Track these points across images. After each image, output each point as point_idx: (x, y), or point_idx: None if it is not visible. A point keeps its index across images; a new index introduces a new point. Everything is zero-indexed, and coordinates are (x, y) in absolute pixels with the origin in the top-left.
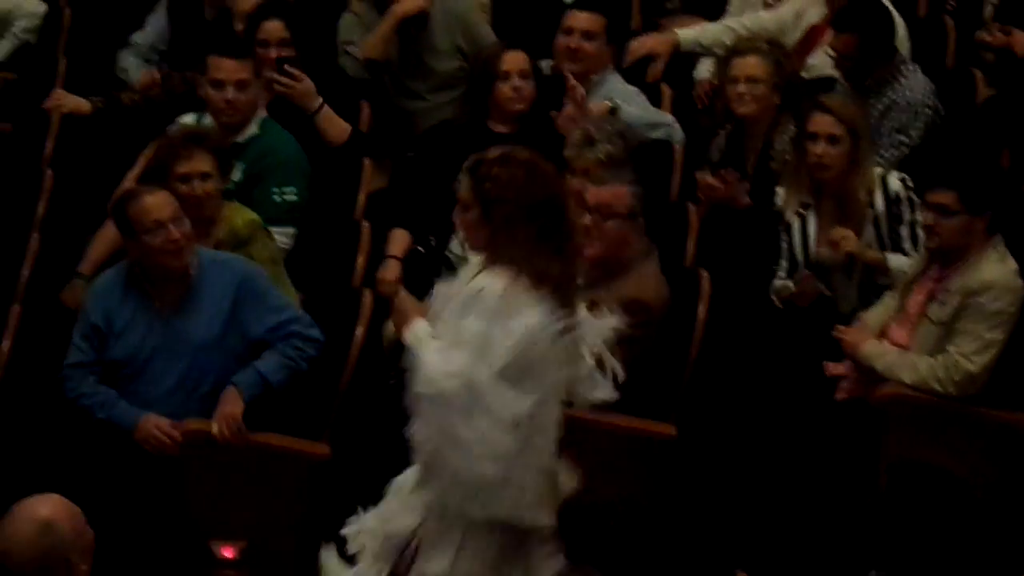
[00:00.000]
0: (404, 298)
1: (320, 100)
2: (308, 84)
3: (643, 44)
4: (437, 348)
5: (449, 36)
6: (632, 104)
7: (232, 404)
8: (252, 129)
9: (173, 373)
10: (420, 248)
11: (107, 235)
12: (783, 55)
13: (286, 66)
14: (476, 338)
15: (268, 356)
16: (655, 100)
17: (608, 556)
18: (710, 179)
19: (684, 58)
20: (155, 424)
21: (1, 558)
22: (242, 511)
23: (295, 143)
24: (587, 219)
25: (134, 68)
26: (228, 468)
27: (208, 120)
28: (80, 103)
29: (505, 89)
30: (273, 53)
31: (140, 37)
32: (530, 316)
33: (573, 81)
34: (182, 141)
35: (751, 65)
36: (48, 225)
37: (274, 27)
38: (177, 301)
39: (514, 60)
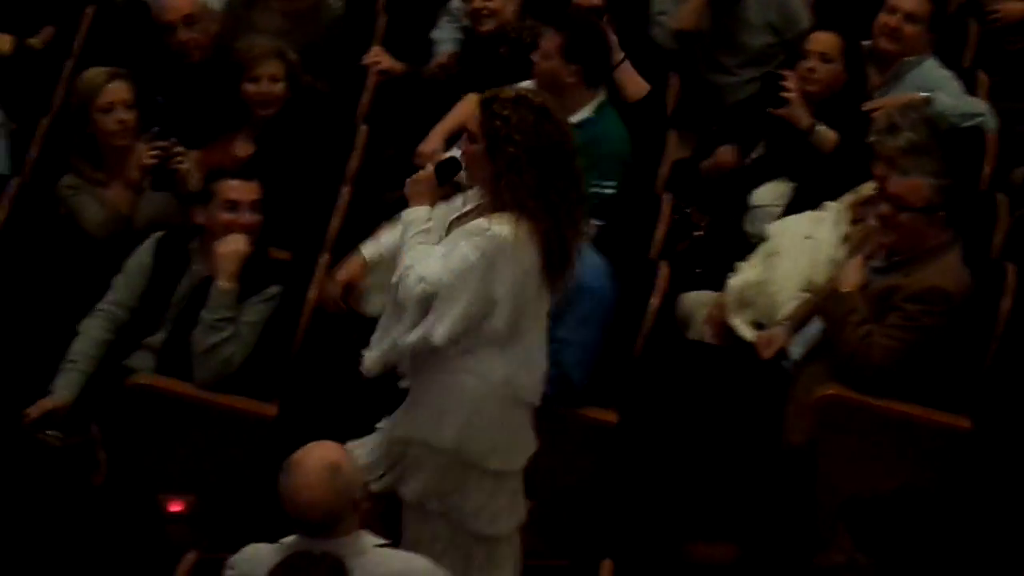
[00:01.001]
0: (430, 178)
1: (622, 54)
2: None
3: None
4: (425, 251)
5: (763, 11)
6: (945, 91)
7: None
8: (586, 112)
9: None
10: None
11: None
12: None
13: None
14: (463, 262)
15: None
16: (970, 87)
17: (895, 548)
18: None
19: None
20: None
21: (301, 506)
22: (190, 465)
23: (625, 134)
24: (884, 208)
25: (446, 39)
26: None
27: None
28: (394, 63)
29: (801, 69)
30: None
31: (457, 3)
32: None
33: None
34: None
35: None
36: (360, 179)
37: None
38: None
39: (819, 41)
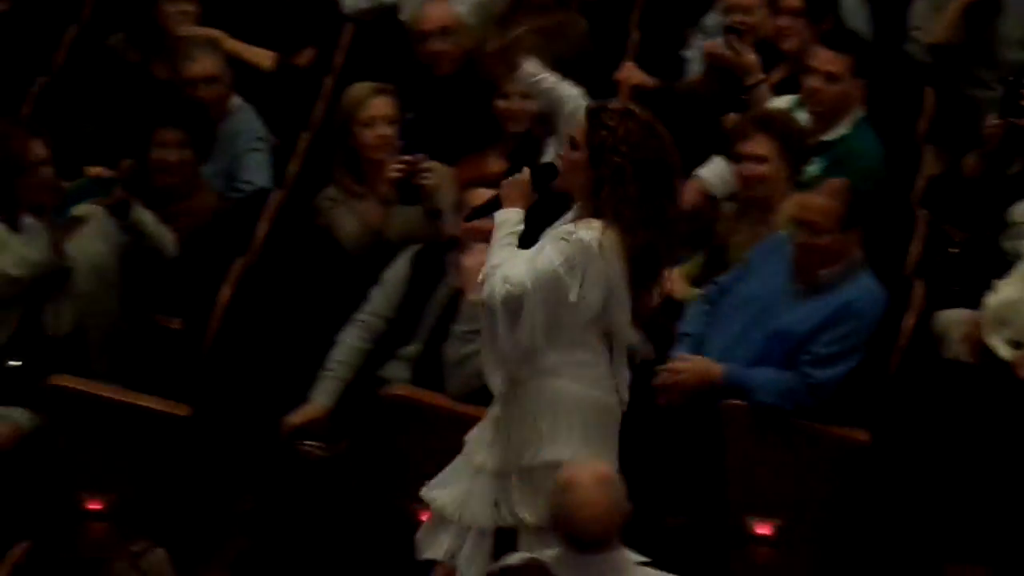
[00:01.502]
0: (525, 182)
1: (760, 76)
2: (751, 58)
3: None
4: (511, 252)
5: (1021, 25)
6: None
7: None
8: (843, 128)
9: None
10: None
11: None
12: None
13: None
14: (547, 265)
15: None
16: None
17: None
18: None
19: None
20: None
21: (583, 522)
22: None
23: (880, 153)
24: None
25: (697, 58)
26: None
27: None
28: (647, 78)
29: None
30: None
31: (712, 19)
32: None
33: None
34: (751, 121)
35: None
36: None
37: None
38: None
39: None
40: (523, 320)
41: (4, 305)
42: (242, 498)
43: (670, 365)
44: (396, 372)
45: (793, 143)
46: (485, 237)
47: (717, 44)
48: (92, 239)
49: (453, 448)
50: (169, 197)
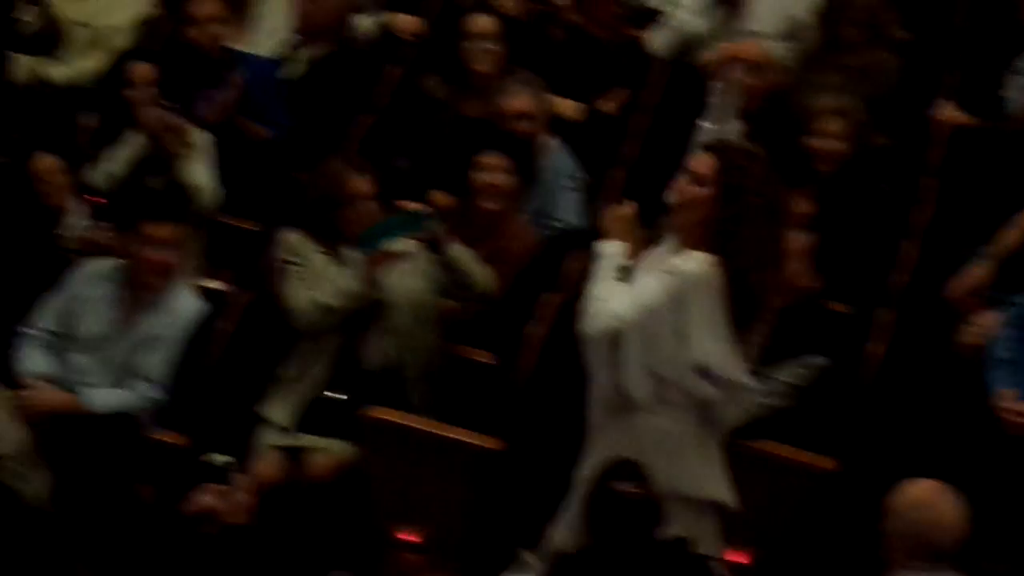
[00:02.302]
0: (630, 216)
1: None
2: None
3: None
4: (615, 286)
5: None
6: None
7: None
8: None
9: None
10: None
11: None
12: None
13: None
14: (651, 298)
15: None
16: None
17: None
18: None
19: None
20: None
21: (948, 536)
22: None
23: None
24: None
25: (1017, 95)
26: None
27: None
28: (967, 118)
29: None
30: None
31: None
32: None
33: None
34: None
35: None
36: (930, 233)
37: None
38: None
39: None
40: (631, 356)
41: (323, 337)
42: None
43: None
44: None
45: None
46: None
47: None
48: (409, 275)
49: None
50: (486, 230)
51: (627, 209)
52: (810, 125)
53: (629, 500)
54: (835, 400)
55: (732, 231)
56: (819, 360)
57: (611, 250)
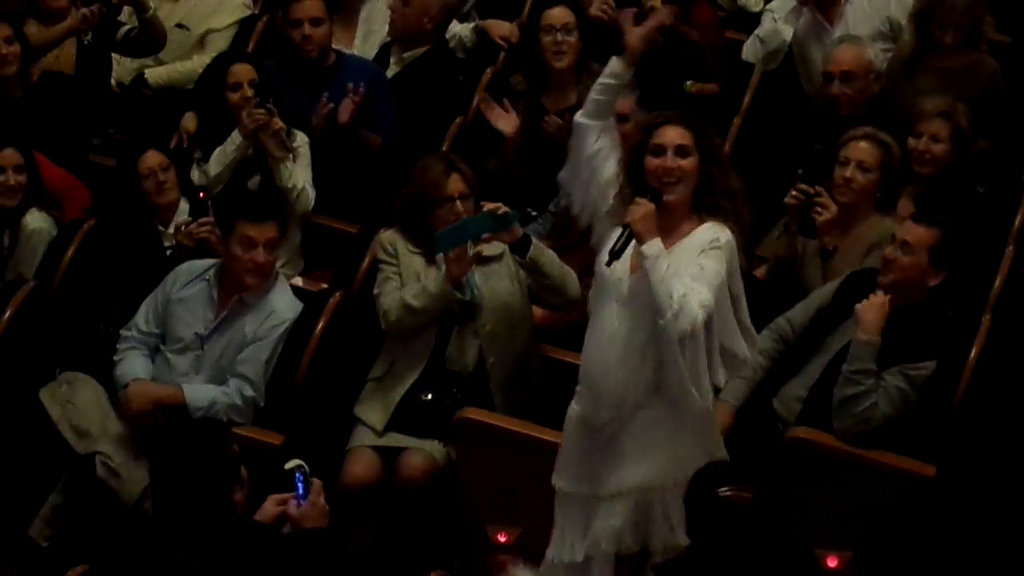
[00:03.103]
0: (652, 210)
1: None
2: None
3: None
4: (681, 280)
5: None
6: None
7: None
8: None
9: None
10: None
11: None
12: None
13: None
14: (717, 278)
15: None
16: None
17: None
18: None
19: None
20: None
21: None
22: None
23: None
24: None
25: None
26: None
27: None
28: None
29: None
30: None
31: None
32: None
33: None
34: None
35: None
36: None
37: None
38: None
39: None
40: (730, 335)
41: (416, 339)
42: None
43: None
44: (787, 409)
45: None
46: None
47: None
48: (497, 277)
49: (855, 493)
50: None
51: (647, 205)
52: (914, 127)
53: (730, 503)
54: (936, 406)
55: (724, 190)
56: (932, 364)
57: (654, 248)
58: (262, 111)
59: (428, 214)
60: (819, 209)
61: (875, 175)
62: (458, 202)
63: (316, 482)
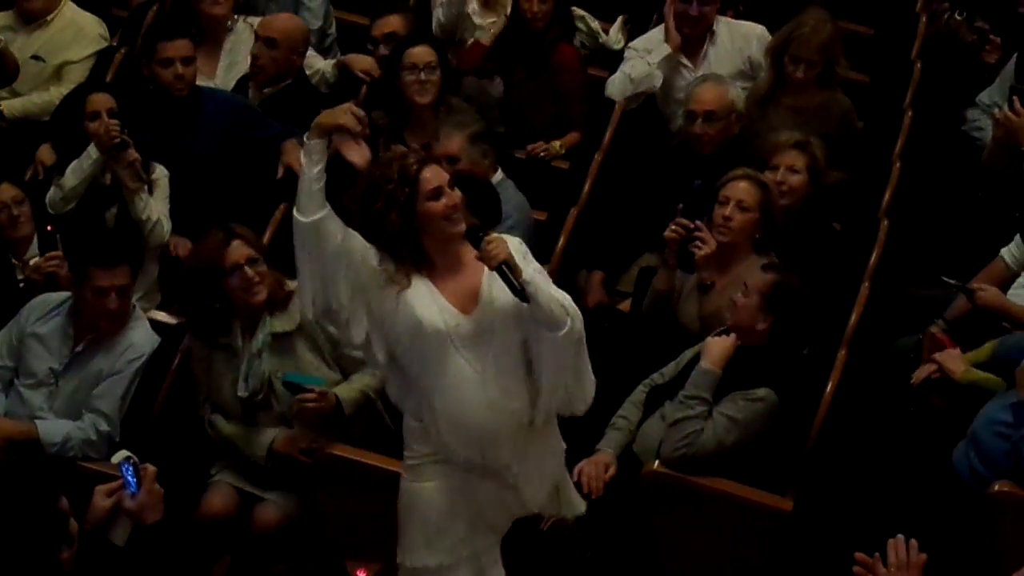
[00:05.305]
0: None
1: None
2: None
3: None
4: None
5: None
6: None
7: None
8: None
9: None
10: None
11: None
12: None
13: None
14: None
15: None
16: None
17: None
18: None
19: None
20: None
21: None
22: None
23: None
24: None
25: (984, 128)
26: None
27: None
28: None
29: None
30: None
31: (987, 96)
32: None
33: None
34: None
35: None
36: (879, 275)
37: None
38: None
39: None
40: None
41: None
42: None
43: None
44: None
45: None
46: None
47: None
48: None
49: (714, 527)
50: None
51: (499, 237)
52: (768, 160)
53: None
54: (789, 440)
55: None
56: (763, 393)
57: (529, 270)
58: (116, 122)
59: (218, 287)
60: (699, 244)
61: (754, 214)
62: (246, 268)
63: (149, 468)
